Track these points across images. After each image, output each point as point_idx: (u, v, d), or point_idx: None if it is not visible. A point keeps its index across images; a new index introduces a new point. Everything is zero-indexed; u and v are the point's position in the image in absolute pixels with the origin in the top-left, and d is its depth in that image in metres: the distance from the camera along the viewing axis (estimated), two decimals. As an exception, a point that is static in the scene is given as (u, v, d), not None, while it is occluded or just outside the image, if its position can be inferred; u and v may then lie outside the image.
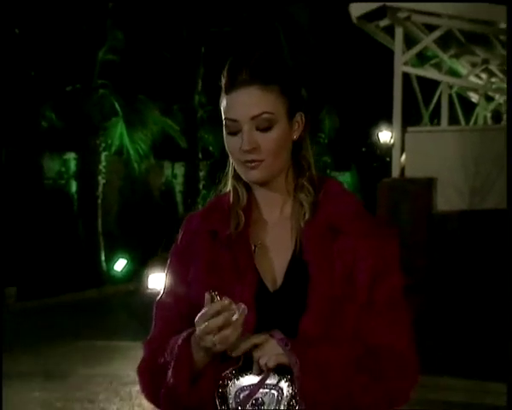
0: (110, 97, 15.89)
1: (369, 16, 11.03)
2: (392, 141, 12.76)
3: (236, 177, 1.59)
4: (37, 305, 12.08)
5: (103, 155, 16.16)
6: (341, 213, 1.55)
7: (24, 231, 13.75)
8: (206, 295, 1.39)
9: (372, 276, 1.52)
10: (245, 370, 1.46)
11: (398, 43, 11.03)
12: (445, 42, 12.08)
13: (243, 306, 1.45)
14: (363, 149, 28.52)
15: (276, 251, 1.56)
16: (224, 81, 1.51)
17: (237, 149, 1.50)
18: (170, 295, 1.59)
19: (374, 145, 25.21)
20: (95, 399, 6.85)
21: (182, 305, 1.53)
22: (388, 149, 16.17)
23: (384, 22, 11.18)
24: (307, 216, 1.56)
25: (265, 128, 1.49)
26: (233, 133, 1.50)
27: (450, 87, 13.99)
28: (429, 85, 13.27)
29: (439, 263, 9.99)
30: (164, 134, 17.12)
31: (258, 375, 1.45)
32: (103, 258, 15.59)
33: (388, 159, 14.34)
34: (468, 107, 16.01)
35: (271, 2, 20.37)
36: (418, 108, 12.75)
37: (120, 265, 15.63)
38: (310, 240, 1.53)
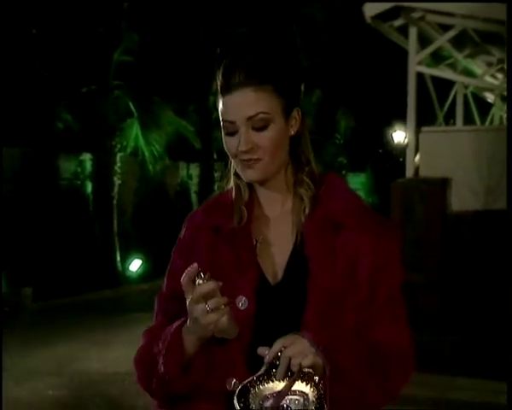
0: (125, 98, 15.95)
1: (383, 16, 11.02)
2: (406, 141, 12.73)
3: (238, 174, 1.62)
4: (53, 305, 12.14)
5: (119, 156, 16.22)
6: (343, 209, 1.58)
7: (40, 232, 13.84)
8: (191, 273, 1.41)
9: (372, 271, 1.55)
10: (259, 377, 1.42)
11: (412, 43, 11.01)
12: (460, 42, 12.03)
13: (244, 298, 1.47)
14: (380, 151, 28.44)
15: (277, 246, 1.59)
16: (219, 84, 1.53)
17: (235, 149, 1.54)
18: (170, 289, 1.63)
19: (388, 146, 25.16)
20: (109, 397, 6.89)
21: (182, 298, 1.56)
22: (402, 149, 16.13)
23: (398, 22, 11.16)
24: (307, 210, 1.59)
25: (261, 127, 1.52)
26: (231, 134, 1.54)
27: (466, 87, 13.93)
28: (444, 85, 13.23)
29: (454, 263, 9.96)
30: (179, 135, 17.16)
31: (281, 380, 1.40)
32: (119, 258, 15.66)
33: (402, 159, 14.31)
34: (484, 107, 15.94)
35: (287, 3, 20.39)
36: (433, 108, 12.71)
37: (136, 265, 15.69)
38: (310, 234, 1.56)
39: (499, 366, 7.37)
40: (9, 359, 7.72)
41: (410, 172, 11.00)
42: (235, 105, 1.51)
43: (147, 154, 16.40)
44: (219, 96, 1.55)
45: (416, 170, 10.97)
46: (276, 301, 1.54)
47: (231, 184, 1.65)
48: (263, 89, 1.51)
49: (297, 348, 1.39)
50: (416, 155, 11.09)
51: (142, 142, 16.28)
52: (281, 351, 1.39)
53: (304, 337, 1.41)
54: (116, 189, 16.09)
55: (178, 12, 17.27)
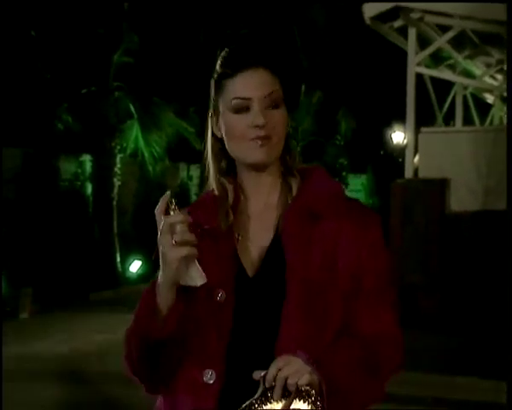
0: (125, 100, 15.97)
1: (383, 17, 11.05)
2: (405, 142, 12.75)
3: (221, 172, 1.64)
4: (53, 306, 12.15)
5: (119, 157, 16.23)
6: (320, 197, 1.58)
7: (40, 232, 13.85)
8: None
9: (355, 261, 1.55)
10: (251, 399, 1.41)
11: (411, 44, 11.04)
12: (459, 43, 12.06)
13: (222, 291, 1.49)
14: (382, 152, 28.41)
15: (259, 238, 1.60)
16: (229, 62, 1.57)
17: (246, 126, 1.55)
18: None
19: (388, 146, 25.16)
20: (110, 397, 6.90)
21: None
22: (402, 150, 16.15)
23: (397, 23, 11.19)
24: (292, 201, 1.60)
25: (274, 106, 1.56)
26: (240, 112, 1.55)
27: (465, 88, 13.95)
28: (443, 86, 13.24)
29: (453, 263, 9.98)
30: (179, 136, 17.17)
31: (278, 401, 1.40)
32: (118, 259, 15.67)
33: (401, 159, 14.32)
34: (484, 108, 15.94)
35: (288, 4, 20.41)
36: (432, 109, 12.73)
37: (136, 266, 15.70)
38: (288, 224, 1.56)
39: (499, 366, 7.39)
40: (10, 359, 7.74)
41: (409, 173, 11.03)
42: (252, 82, 1.54)
43: (147, 155, 16.41)
44: (227, 78, 1.56)
45: (416, 171, 11.00)
46: (254, 292, 1.54)
47: (214, 184, 1.65)
48: (272, 74, 1.57)
49: (292, 368, 1.39)
50: (415, 155, 11.12)
51: (142, 143, 16.29)
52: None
53: (298, 357, 1.41)
54: (116, 190, 16.10)
55: (179, 13, 17.29)
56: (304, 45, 21.14)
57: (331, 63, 22.13)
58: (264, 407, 1.40)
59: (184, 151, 18.17)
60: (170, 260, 1.44)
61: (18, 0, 13.61)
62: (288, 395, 1.39)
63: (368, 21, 11.10)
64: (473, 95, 14.56)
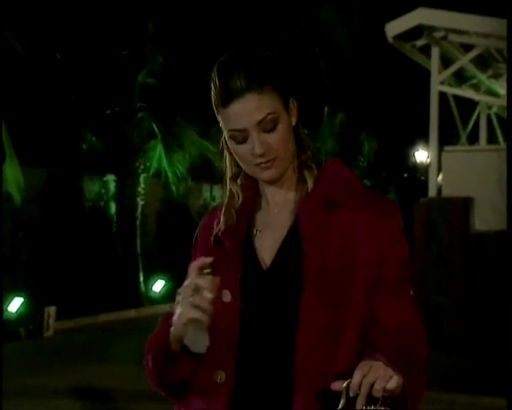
0: (149, 120, 16.08)
1: (405, 36, 11.03)
2: (428, 160, 12.69)
3: (235, 177, 1.65)
4: (76, 324, 12.20)
5: (142, 177, 16.32)
6: (337, 186, 1.57)
7: (64, 252, 13.93)
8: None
9: (375, 252, 1.53)
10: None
11: (434, 63, 11.01)
12: (483, 61, 12.02)
13: (227, 292, 1.49)
14: (405, 175, 28.28)
15: (276, 232, 1.59)
16: (217, 95, 1.54)
17: (248, 154, 1.54)
18: None
19: (411, 166, 25.05)
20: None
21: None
22: (425, 168, 16.07)
23: (420, 42, 11.18)
24: (309, 191, 1.59)
25: (271, 129, 1.53)
26: (241, 142, 1.54)
27: (489, 107, 13.87)
28: (467, 105, 13.18)
29: (477, 283, 9.88)
30: (202, 156, 17.22)
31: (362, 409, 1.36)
32: (142, 279, 15.71)
33: (423, 178, 14.24)
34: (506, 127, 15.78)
35: (310, 26, 20.48)
36: (456, 127, 12.67)
37: (159, 286, 15.72)
38: (305, 214, 1.55)
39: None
40: (32, 378, 7.77)
41: (432, 192, 10.96)
42: (242, 112, 1.51)
43: (170, 175, 16.49)
44: (219, 108, 1.55)
45: (439, 189, 10.93)
46: (266, 286, 1.53)
47: (225, 187, 1.67)
48: (264, 90, 1.51)
49: (378, 373, 1.36)
50: (438, 174, 11.06)
51: (165, 163, 16.38)
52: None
53: (378, 360, 1.38)
54: (139, 210, 16.17)
55: (201, 35, 17.41)
56: (327, 67, 21.17)
57: (354, 84, 22.13)
58: None
59: (207, 171, 18.22)
60: (181, 315, 1.44)
61: (43, 23, 13.78)
62: (371, 401, 1.35)
63: (391, 40, 11.09)
64: (497, 115, 14.48)
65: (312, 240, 1.52)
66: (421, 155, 19.90)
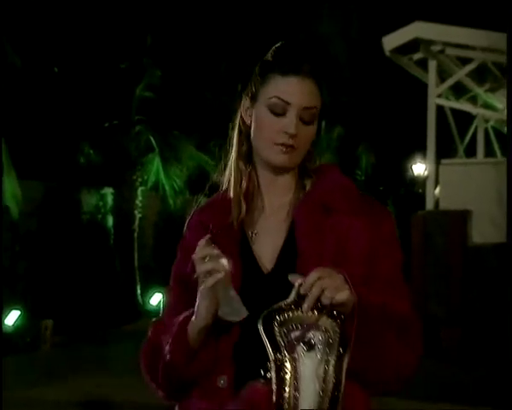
0: (147, 133, 16.10)
1: (403, 49, 11.08)
2: (426, 173, 12.72)
3: (243, 157, 1.62)
4: (74, 338, 12.16)
5: (140, 190, 16.32)
6: (333, 192, 1.59)
7: (61, 265, 13.91)
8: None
9: (368, 252, 1.54)
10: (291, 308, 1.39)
11: (431, 76, 11.05)
12: (480, 75, 12.05)
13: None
14: (402, 192, 28.31)
15: (273, 235, 1.59)
16: (279, 61, 1.56)
17: (276, 129, 1.54)
18: (174, 284, 1.68)
19: (409, 179, 25.08)
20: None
21: (182, 293, 1.61)
22: (422, 181, 16.10)
23: (417, 55, 11.21)
24: (305, 195, 1.61)
25: (309, 121, 1.56)
26: (276, 114, 1.54)
27: (486, 121, 13.90)
28: (465, 118, 13.21)
29: (475, 295, 9.88)
30: (200, 169, 17.24)
31: (308, 312, 1.37)
32: (139, 292, 15.69)
33: (421, 190, 14.26)
34: (506, 141, 15.83)
35: (308, 38, 20.54)
36: (453, 141, 12.70)
37: (156, 299, 15.68)
38: (301, 217, 1.56)
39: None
40: (31, 390, 7.74)
41: (430, 205, 10.98)
42: (298, 89, 1.54)
43: (167, 188, 16.50)
44: (273, 74, 1.56)
45: (437, 202, 10.95)
46: (269, 288, 1.53)
47: (230, 171, 1.64)
48: (317, 87, 1.57)
49: (332, 282, 1.37)
50: (436, 187, 11.08)
51: (162, 176, 16.39)
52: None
53: (340, 273, 1.39)
54: (137, 223, 16.16)
55: (199, 48, 17.46)
56: (324, 80, 21.22)
57: (351, 97, 22.18)
58: (292, 315, 1.37)
59: (205, 184, 18.21)
60: (204, 288, 1.45)
61: (41, 36, 13.81)
62: (319, 307, 1.36)
63: (388, 54, 11.13)
64: (494, 128, 14.51)
65: (308, 242, 1.53)
66: (419, 168, 19.94)
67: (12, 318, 11.34)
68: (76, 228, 14.74)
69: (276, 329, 1.37)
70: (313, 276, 1.36)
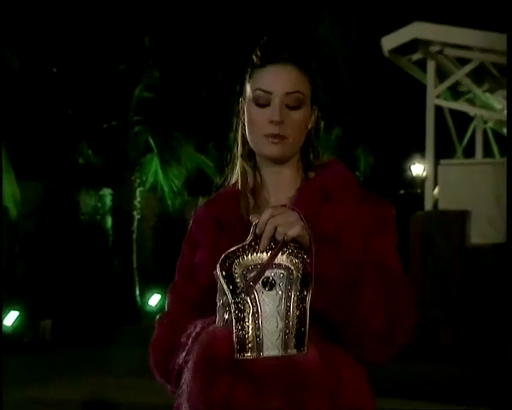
0: (145, 134, 16.09)
1: (401, 50, 11.09)
2: (424, 174, 12.73)
3: (246, 157, 1.64)
4: (72, 338, 12.16)
5: (138, 191, 16.31)
6: (334, 181, 1.59)
7: (60, 265, 13.91)
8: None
9: (361, 235, 1.52)
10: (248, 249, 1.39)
11: (430, 77, 11.06)
12: (479, 76, 12.05)
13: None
14: (402, 192, 28.31)
15: None
16: (259, 55, 1.57)
17: (263, 120, 1.55)
18: (180, 278, 1.69)
19: (407, 179, 25.09)
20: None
21: (190, 286, 1.61)
22: (421, 182, 16.11)
23: (416, 56, 11.22)
24: (306, 183, 1.62)
25: (295, 107, 1.56)
26: (261, 105, 1.56)
27: (485, 122, 13.90)
28: (463, 119, 13.22)
29: (473, 296, 9.88)
30: (198, 170, 17.23)
31: (265, 251, 1.37)
32: (138, 293, 15.68)
33: (419, 190, 14.28)
34: (505, 142, 15.84)
35: (308, 41, 20.56)
36: (451, 141, 12.71)
37: (155, 300, 15.68)
38: (299, 202, 1.55)
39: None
40: (31, 390, 7.74)
41: (429, 205, 10.99)
42: (277, 77, 1.55)
43: (166, 189, 16.48)
44: (256, 69, 1.58)
45: (435, 203, 10.96)
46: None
47: (237, 169, 1.66)
48: (302, 72, 1.57)
49: (285, 219, 1.37)
50: (435, 187, 11.08)
51: (161, 177, 16.37)
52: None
53: (294, 210, 1.40)
54: (135, 223, 16.15)
55: (198, 49, 17.46)
56: (323, 81, 21.25)
57: (350, 98, 22.20)
58: (250, 256, 1.37)
59: (204, 186, 18.20)
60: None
61: (39, 37, 13.81)
62: (277, 245, 1.36)
63: (387, 54, 11.13)
64: (493, 129, 14.51)
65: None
66: (418, 169, 19.96)
67: (11, 318, 11.35)
68: (75, 229, 14.74)
69: (235, 271, 1.37)
70: (266, 214, 1.37)
